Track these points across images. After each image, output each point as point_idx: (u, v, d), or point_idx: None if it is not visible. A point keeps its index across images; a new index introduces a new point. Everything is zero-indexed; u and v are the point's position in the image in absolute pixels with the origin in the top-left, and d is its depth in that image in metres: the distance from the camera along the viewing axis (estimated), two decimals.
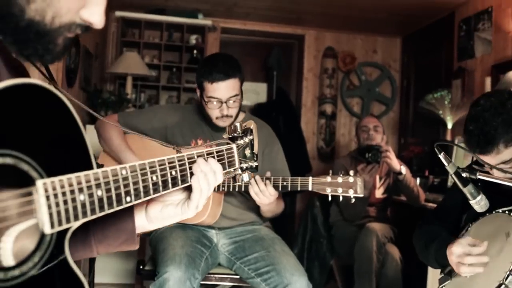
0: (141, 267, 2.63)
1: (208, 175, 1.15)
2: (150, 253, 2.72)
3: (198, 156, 1.15)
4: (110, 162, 2.57)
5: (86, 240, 1.16)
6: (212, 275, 2.58)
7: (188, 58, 6.13)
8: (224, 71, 2.42)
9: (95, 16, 0.95)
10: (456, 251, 1.74)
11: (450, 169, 1.71)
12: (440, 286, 1.87)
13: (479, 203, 1.72)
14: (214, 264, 2.57)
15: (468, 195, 1.72)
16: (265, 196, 2.30)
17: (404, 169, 3.58)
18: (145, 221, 1.23)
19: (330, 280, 4.09)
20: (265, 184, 2.29)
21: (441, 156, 1.71)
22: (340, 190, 2.30)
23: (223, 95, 2.44)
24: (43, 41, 0.91)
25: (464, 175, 1.71)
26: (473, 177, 1.70)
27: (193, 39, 6.16)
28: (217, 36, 6.29)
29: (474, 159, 1.96)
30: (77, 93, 4.79)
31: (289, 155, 2.79)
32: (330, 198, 2.34)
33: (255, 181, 2.29)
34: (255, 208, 2.67)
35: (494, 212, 1.83)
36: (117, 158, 2.51)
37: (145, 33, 6.07)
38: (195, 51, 6.11)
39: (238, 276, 2.57)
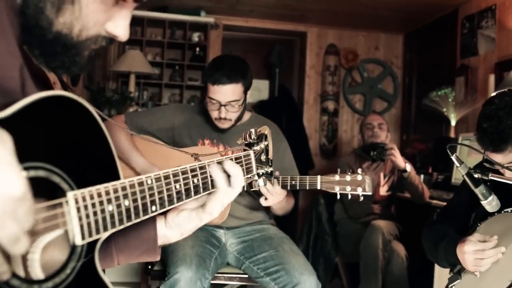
0: (149, 267, 2.63)
1: (238, 175, 1.17)
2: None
3: (218, 163, 1.15)
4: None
5: (108, 250, 1.16)
6: (221, 275, 2.59)
7: (190, 55, 6.12)
8: (227, 74, 2.42)
9: (121, 29, 0.96)
10: (469, 249, 1.75)
11: (462, 170, 1.72)
12: (450, 285, 1.88)
13: (490, 203, 1.73)
14: (223, 263, 2.58)
15: (480, 196, 1.73)
16: (273, 195, 2.30)
17: (408, 167, 3.59)
18: (165, 229, 1.22)
19: (335, 277, 4.11)
20: (272, 183, 2.30)
21: (453, 158, 1.72)
22: (348, 188, 2.31)
23: (223, 98, 2.44)
24: (69, 54, 0.91)
25: (476, 176, 1.72)
26: (485, 178, 1.71)
27: (195, 36, 6.15)
28: (220, 33, 6.28)
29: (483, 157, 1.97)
30: (81, 92, 4.79)
31: (292, 152, 2.79)
32: (338, 197, 2.36)
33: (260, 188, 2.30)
34: (262, 207, 2.68)
35: (503, 211, 1.84)
36: (126, 160, 2.51)
37: (148, 31, 6.06)
38: (197, 49, 6.11)
39: (247, 276, 2.58)
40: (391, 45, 6.59)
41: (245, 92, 2.52)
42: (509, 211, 1.83)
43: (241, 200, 2.66)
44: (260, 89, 6.85)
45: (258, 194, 2.64)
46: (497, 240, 1.76)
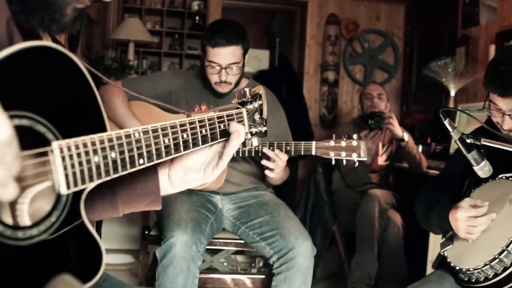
0: (146, 232, 2.66)
1: (242, 134, 1.20)
2: (155, 219, 2.75)
3: (208, 120, 1.16)
4: (115, 129, 2.56)
5: (114, 200, 1.19)
6: (216, 240, 2.61)
7: (190, 24, 6.09)
8: (227, 37, 2.41)
9: None
10: (461, 216, 1.75)
11: (455, 135, 1.72)
12: (442, 251, 1.89)
13: (482, 169, 1.74)
14: (219, 229, 2.60)
15: (472, 161, 1.73)
16: (278, 162, 2.31)
17: (406, 136, 3.58)
18: (168, 185, 1.26)
19: (332, 245, 4.14)
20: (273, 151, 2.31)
21: (446, 122, 1.72)
22: (343, 154, 2.31)
23: (223, 60, 2.44)
24: (49, 11, 0.91)
25: (468, 141, 1.72)
26: (477, 143, 1.71)
27: (195, 5, 6.11)
28: (219, 2, 6.23)
29: (479, 126, 1.97)
30: (79, 59, 4.77)
31: (291, 122, 2.79)
32: (333, 162, 2.36)
33: (266, 153, 2.31)
34: (259, 173, 2.70)
35: (497, 178, 1.84)
36: (122, 125, 2.51)
37: None
38: (197, 17, 6.07)
39: (242, 241, 2.61)
40: (392, 15, 6.53)
41: (244, 56, 2.52)
42: (503, 177, 1.83)
43: (237, 166, 2.67)
44: (260, 59, 6.80)
45: (254, 159, 2.66)
46: (490, 206, 1.76)
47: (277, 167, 2.33)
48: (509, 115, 1.77)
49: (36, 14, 0.91)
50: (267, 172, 2.36)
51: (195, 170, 1.25)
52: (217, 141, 1.21)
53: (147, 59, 6.11)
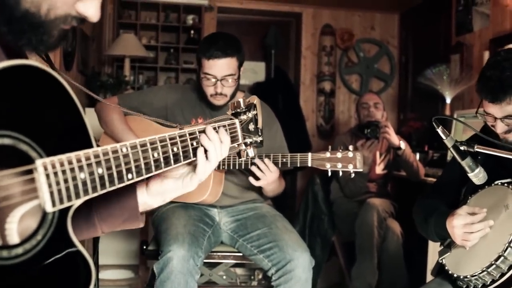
0: (144, 247, 2.65)
1: (216, 144, 1.17)
2: (153, 234, 2.74)
3: (199, 132, 1.16)
4: (112, 144, 2.57)
5: (89, 219, 1.17)
6: (215, 253, 2.60)
7: (185, 38, 6.11)
8: (222, 49, 2.43)
9: (91, 10, 0.96)
10: (458, 223, 1.74)
11: (448, 143, 1.72)
12: (440, 258, 1.88)
13: (477, 175, 1.73)
14: (217, 242, 2.59)
15: (467, 168, 1.73)
16: (267, 174, 2.32)
17: (403, 144, 3.58)
18: (147, 196, 1.24)
19: (332, 256, 4.12)
20: (264, 162, 2.32)
21: (439, 130, 1.72)
22: (339, 165, 2.31)
23: (218, 72, 2.44)
24: (37, 32, 0.91)
25: (462, 148, 1.72)
26: (471, 150, 1.71)
27: (190, 19, 6.13)
28: (214, 15, 6.25)
29: (474, 134, 1.97)
30: (75, 76, 4.77)
31: (289, 133, 2.79)
32: (330, 174, 2.35)
33: (259, 161, 2.31)
34: (255, 186, 2.69)
35: (493, 184, 1.84)
36: (119, 140, 2.51)
37: (142, 14, 6.04)
38: (192, 32, 6.09)
39: (241, 254, 2.60)
40: (387, 24, 6.56)
41: (239, 68, 2.53)
42: (499, 183, 1.83)
43: (234, 179, 2.66)
44: (256, 71, 6.82)
45: (251, 172, 2.65)
46: (486, 212, 1.76)
47: (264, 178, 2.33)
48: (500, 119, 1.77)
49: (24, 35, 0.92)
50: (250, 178, 2.37)
51: (172, 178, 1.23)
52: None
53: (143, 74, 6.13)
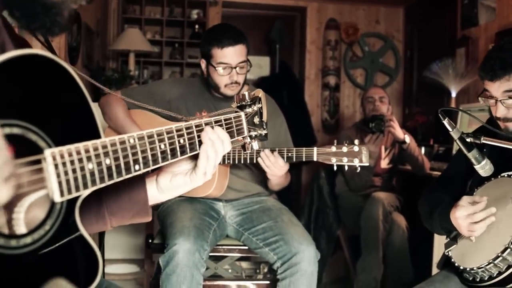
0: (150, 240, 2.66)
1: (215, 142, 1.16)
2: (158, 227, 2.75)
3: (205, 124, 1.16)
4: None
5: (100, 213, 1.18)
6: (220, 247, 2.61)
7: (190, 33, 6.11)
8: (234, 37, 2.47)
9: None
10: (460, 214, 1.74)
11: (455, 135, 1.72)
12: (446, 251, 1.88)
13: (483, 167, 1.73)
14: (222, 235, 2.60)
15: (473, 160, 1.73)
16: (276, 168, 2.32)
17: (408, 138, 3.58)
18: (156, 192, 1.25)
19: (337, 250, 4.13)
20: (271, 156, 2.32)
21: (445, 122, 1.71)
22: (345, 159, 2.30)
23: (233, 60, 2.47)
24: (50, 14, 0.92)
25: (468, 140, 1.71)
26: (477, 141, 1.70)
27: (194, 14, 6.12)
28: (219, 10, 6.25)
29: (480, 126, 1.97)
30: (80, 71, 4.76)
31: (294, 128, 2.79)
32: (335, 168, 2.35)
33: (265, 155, 2.31)
34: (261, 179, 2.69)
35: (499, 176, 1.83)
36: (124, 133, 2.50)
37: (146, 9, 6.04)
38: (196, 26, 6.09)
39: (246, 247, 2.60)
40: (392, 18, 6.54)
41: (247, 55, 2.56)
42: (505, 175, 1.83)
43: (239, 172, 2.66)
44: (261, 66, 6.81)
45: (256, 166, 2.66)
46: (492, 204, 1.75)
47: (272, 170, 2.33)
48: (501, 101, 1.77)
49: (38, 17, 0.92)
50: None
51: (182, 174, 1.24)
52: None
53: (148, 68, 6.13)
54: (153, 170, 1.06)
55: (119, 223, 1.24)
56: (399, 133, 3.55)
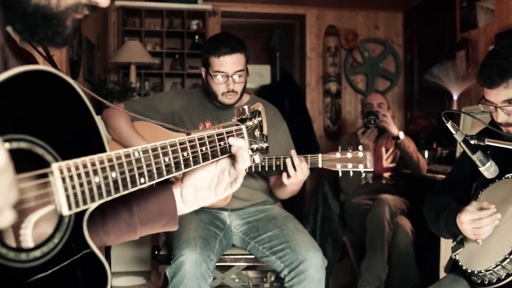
0: (156, 252, 2.65)
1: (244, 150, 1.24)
2: (164, 239, 2.74)
3: (208, 137, 1.17)
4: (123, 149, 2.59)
5: (131, 223, 1.21)
6: (227, 256, 2.60)
7: (190, 44, 6.12)
8: (231, 45, 2.48)
9: None
10: (466, 219, 1.74)
11: (458, 137, 1.72)
12: (453, 254, 1.88)
13: (488, 169, 1.73)
14: (228, 245, 2.59)
15: (478, 162, 1.73)
16: (298, 172, 2.32)
17: (402, 134, 3.69)
18: (182, 204, 1.30)
19: (343, 256, 4.12)
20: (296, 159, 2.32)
21: (449, 125, 1.72)
22: (350, 165, 2.32)
23: (230, 69, 2.48)
24: (51, 25, 0.92)
25: (472, 142, 1.71)
26: (481, 143, 1.70)
27: (194, 24, 6.15)
28: (218, 20, 6.27)
29: (484, 128, 1.97)
30: (82, 84, 4.78)
31: (296, 135, 2.79)
32: (340, 174, 2.36)
33: (294, 154, 2.33)
34: (265, 188, 2.70)
35: (503, 178, 1.83)
36: (128, 145, 2.52)
37: (146, 21, 6.06)
38: (196, 37, 6.10)
39: (252, 256, 2.59)
40: (391, 23, 6.56)
41: (246, 64, 2.57)
42: (510, 176, 1.82)
43: (244, 181, 2.64)
44: (262, 74, 6.83)
45: (261, 174, 2.66)
46: (497, 206, 1.75)
47: (296, 176, 2.33)
48: (501, 107, 1.78)
49: (39, 29, 0.93)
50: (284, 178, 2.36)
51: (205, 189, 1.28)
52: (218, 158, 1.22)
53: (149, 80, 6.14)
54: (163, 182, 1.07)
55: (148, 233, 1.28)
56: (393, 128, 3.70)
